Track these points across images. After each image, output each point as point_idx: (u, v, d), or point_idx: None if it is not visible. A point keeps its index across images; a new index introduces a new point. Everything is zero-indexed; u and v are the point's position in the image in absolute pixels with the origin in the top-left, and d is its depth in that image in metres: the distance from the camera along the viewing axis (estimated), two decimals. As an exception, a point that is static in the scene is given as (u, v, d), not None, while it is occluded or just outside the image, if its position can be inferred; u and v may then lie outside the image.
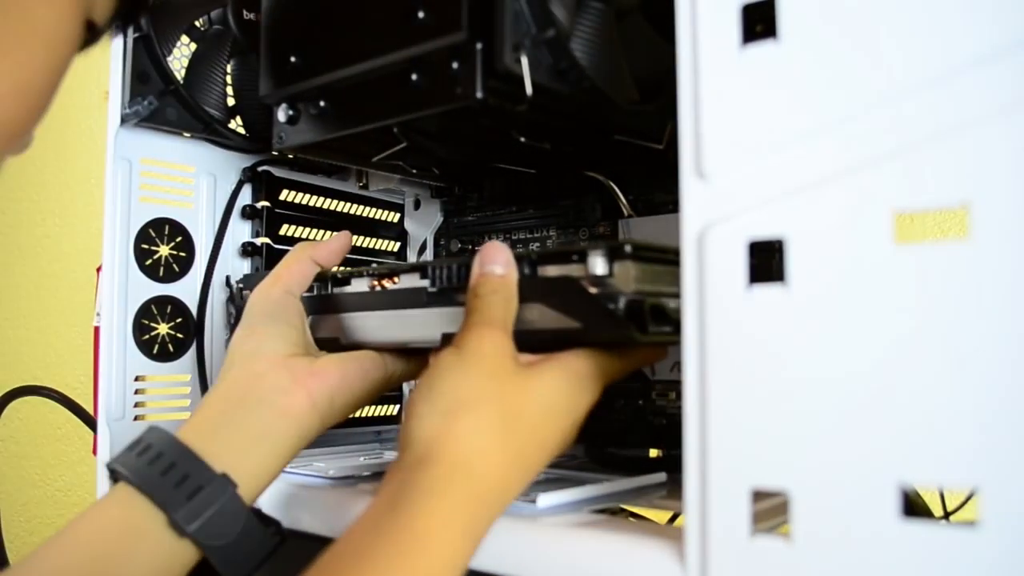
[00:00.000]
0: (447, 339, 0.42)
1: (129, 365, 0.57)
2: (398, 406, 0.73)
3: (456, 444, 0.34)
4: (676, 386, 0.57)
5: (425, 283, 0.44)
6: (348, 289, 0.49)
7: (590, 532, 0.36)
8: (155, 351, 0.59)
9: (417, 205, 0.75)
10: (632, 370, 0.44)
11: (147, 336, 0.58)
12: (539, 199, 0.66)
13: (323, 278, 0.50)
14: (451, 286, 0.42)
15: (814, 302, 0.29)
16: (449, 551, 0.32)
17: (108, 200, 0.57)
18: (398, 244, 0.75)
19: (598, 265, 0.37)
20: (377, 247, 0.73)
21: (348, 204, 0.71)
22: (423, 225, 0.75)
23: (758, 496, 0.30)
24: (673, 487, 0.49)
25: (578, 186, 0.62)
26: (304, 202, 0.68)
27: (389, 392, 0.70)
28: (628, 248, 0.36)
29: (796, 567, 0.29)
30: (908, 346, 0.27)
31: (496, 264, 0.39)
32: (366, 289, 0.48)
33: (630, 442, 0.58)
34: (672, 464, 0.50)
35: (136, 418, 0.57)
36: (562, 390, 0.37)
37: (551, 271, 0.39)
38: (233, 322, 0.60)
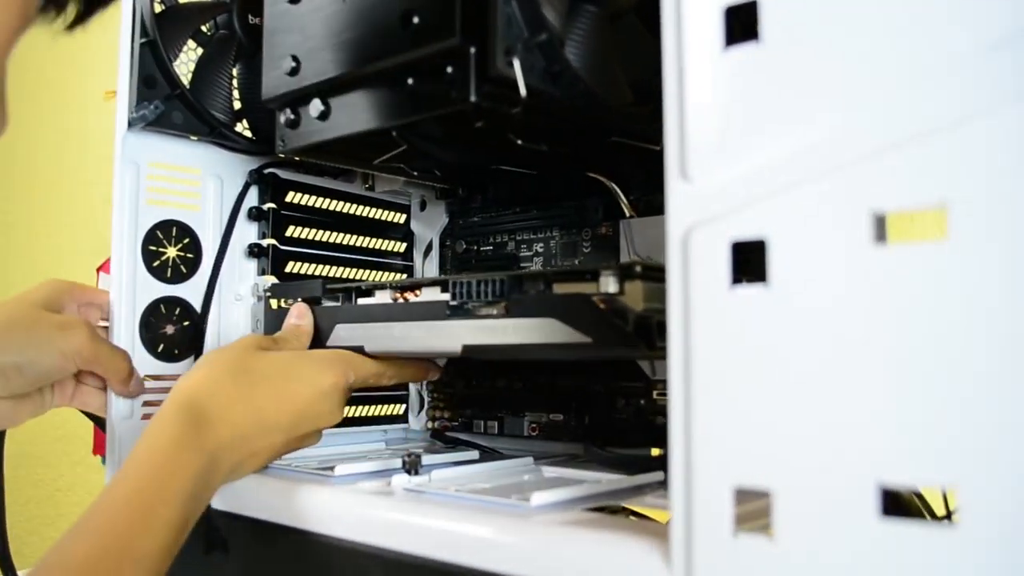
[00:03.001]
0: (467, 350, 0.44)
1: (137, 365, 0.58)
2: (404, 405, 0.73)
3: (188, 382, 0.46)
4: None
5: (446, 296, 0.46)
6: (372, 300, 0.52)
7: (578, 530, 0.36)
8: (162, 351, 0.60)
9: (423, 206, 0.76)
10: (393, 380, 0.54)
11: (154, 336, 0.59)
12: (542, 200, 0.67)
13: (348, 290, 0.53)
14: (471, 299, 0.45)
15: (795, 302, 0.29)
16: (176, 463, 0.41)
17: (116, 202, 0.58)
18: (404, 245, 0.76)
19: (609, 283, 0.38)
20: (384, 248, 0.74)
21: (354, 205, 0.72)
22: (429, 226, 0.75)
23: (748, 496, 0.30)
24: (670, 486, 0.49)
25: (580, 187, 0.63)
26: (310, 204, 0.68)
27: (394, 392, 0.72)
28: (638, 268, 0.38)
29: (779, 565, 0.29)
30: (888, 345, 0.27)
31: (295, 318, 0.55)
32: (389, 301, 0.50)
33: (632, 441, 0.59)
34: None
35: (144, 417, 0.58)
36: (296, 361, 0.49)
37: (565, 288, 0.41)
38: (259, 330, 0.62)
